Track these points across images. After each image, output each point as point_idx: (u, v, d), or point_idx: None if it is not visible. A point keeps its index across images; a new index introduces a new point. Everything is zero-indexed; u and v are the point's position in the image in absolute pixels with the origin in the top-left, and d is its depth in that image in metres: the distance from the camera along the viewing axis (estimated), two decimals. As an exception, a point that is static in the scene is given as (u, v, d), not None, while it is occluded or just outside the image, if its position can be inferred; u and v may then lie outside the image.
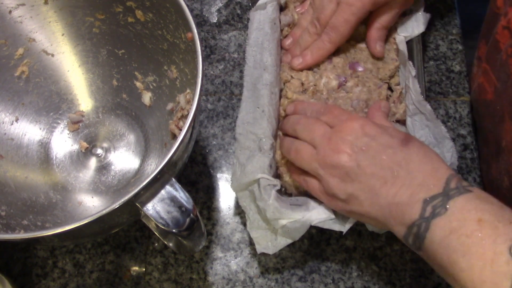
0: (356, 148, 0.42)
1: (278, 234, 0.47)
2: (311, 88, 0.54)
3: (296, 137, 0.48)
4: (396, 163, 0.41)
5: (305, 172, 0.47)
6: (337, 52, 0.55)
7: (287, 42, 0.57)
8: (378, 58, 0.56)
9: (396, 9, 0.53)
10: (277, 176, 0.51)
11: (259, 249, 0.48)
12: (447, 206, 0.37)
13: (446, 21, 0.64)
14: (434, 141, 0.49)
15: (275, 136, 0.52)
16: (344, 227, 0.47)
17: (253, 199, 0.48)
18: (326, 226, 0.47)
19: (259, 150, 0.49)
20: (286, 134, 0.51)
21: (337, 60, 0.55)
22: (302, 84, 0.54)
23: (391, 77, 0.55)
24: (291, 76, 0.55)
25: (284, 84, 0.55)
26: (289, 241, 0.47)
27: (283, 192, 0.51)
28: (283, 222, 0.46)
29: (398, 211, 0.40)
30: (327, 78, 0.53)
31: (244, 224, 0.54)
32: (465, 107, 0.59)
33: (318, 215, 0.46)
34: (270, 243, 0.48)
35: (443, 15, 0.64)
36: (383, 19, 0.54)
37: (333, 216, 0.47)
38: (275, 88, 0.53)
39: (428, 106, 0.50)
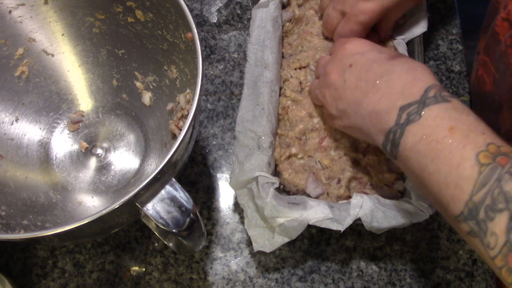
0: (344, 66, 0.44)
1: (276, 233, 0.47)
2: (307, 88, 0.54)
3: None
4: (379, 74, 0.42)
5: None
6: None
7: None
8: None
9: (404, 9, 0.54)
10: (276, 174, 0.51)
11: (256, 247, 0.48)
12: (422, 113, 0.38)
13: (446, 21, 0.64)
14: None
15: (274, 134, 0.52)
16: (341, 226, 0.47)
17: (252, 197, 0.48)
18: (323, 225, 0.47)
19: (258, 148, 0.49)
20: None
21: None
22: (300, 83, 0.55)
23: None
24: (291, 75, 0.55)
25: (284, 82, 0.55)
26: (286, 239, 0.47)
27: (281, 189, 0.51)
28: (281, 220, 0.46)
29: (377, 119, 0.41)
30: None
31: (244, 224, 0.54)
32: (465, 107, 0.59)
33: (315, 214, 0.46)
34: (268, 242, 0.48)
35: (443, 15, 0.64)
36: (392, 20, 0.54)
37: (330, 215, 0.46)
38: (275, 86, 0.53)
39: None
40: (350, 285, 0.52)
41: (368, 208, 0.46)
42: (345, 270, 0.53)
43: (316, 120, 0.52)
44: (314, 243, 0.53)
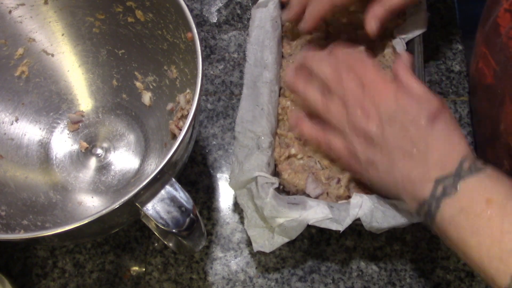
0: (386, 117, 0.43)
1: (275, 233, 0.47)
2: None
3: (312, 75, 0.48)
4: (418, 138, 0.41)
5: (327, 130, 0.47)
6: None
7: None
8: (370, 40, 0.54)
9: None
10: (276, 174, 0.51)
11: (256, 247, 0.48)
12: (458, 187, 0.38)
13: (446, 21, 0.64)
14: None
15: (273, 134, 0.52)
16: (341, 226, 0.47)
17: (251, 197, 0.48)
18: (323, 225, 0.46)
19: (257, 148, 0.49)
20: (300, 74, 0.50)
21: None
22: None
23: None
24: None
25: (283, 82, 0.55)
26: (286, 240, 0.47)
27: (281, 190, 0.51)
28: (280, 220, 0.46)
29: (411, 186, 0.41)
30: None
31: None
32: (465, 107, 0.59)
33: (315, 214, 0.46)
34: (267, 242, 0.48)
35: (443, 15, 0.64)
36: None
37: (330, 215, 0.46)
38: (275, 86, 0.53)
39: None
40: (350, 285, 0.52)
41: (368, 208, 0.46)
42: (345, 270, 0.53)
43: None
44: (314, 243, 0.53)
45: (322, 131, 0.48)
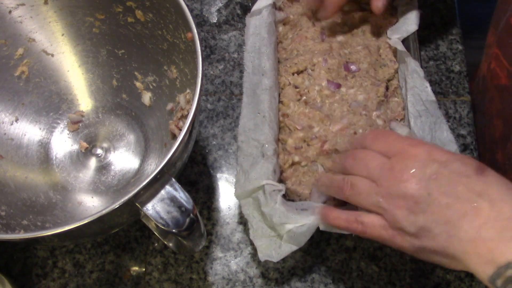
0: (424, 176, 0.38)
1: (283, 241, 0.47)
2: (304, 98, 0.53)
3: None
4: (474, 193, 0.37)
5: (355, 212, 0.43)
6: (330, 53, 0.55)
7: None
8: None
9: None
10: (280, 181, 0.51)
11: (263, 257, 0.47)
12: None
13: (446, 21, 0.64)
14: (439, 143, 0.49)
15: (277, 141, 0.52)
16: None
17: (256, 206, 0.47)
18: (334, 230, 0.46)
19: (262, 156, 0.49)
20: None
21: (331, 61, 0.54)
22: (297, 87, 0.54)
23: (390, 80, 0.55)
24: (289, 82, 0.55)
25: (282, 89, 0.55)
26: (294, 247, 0.47)
27: (286, 199, 0.51)
28: (290, 226, 0.45)
29: (485, 248, 0.35)
30: (319, 86, 0.53)
31: (244, 224, 0.54)
32: (465, 107, 0.59)
33: None
34: (274, 251, 0.47)
35: (443, 15, 0.64)
36: None
37: None
38: (275, 92, 0.53)
39: (438, 109, 0.50)
40: (350, 285, 0.52)
41: None
42: (345, 270, 0.53)
43: (316, 129, 0.52)
44: (314, 243, 0.53)
45: (351, 217, 0.43)
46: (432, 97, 0.51)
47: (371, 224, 0.41)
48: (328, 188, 0.45)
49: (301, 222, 0.45)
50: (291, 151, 0.52)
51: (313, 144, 0.52)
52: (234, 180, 0.56)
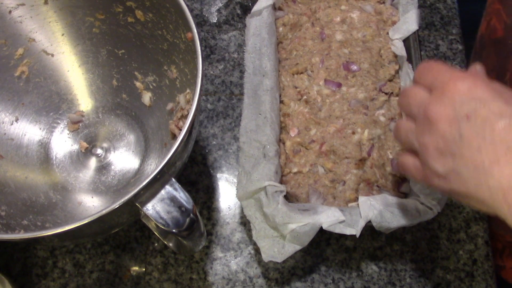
0: (459, 115, 0.35)
1: (287, 240, 0.47)
2: (304, 97, 0.53)
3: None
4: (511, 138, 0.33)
5: (403, 155, 0.42)
6: (328, 54, 0.55)
7: None
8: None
9: None
10: (281, 182, 0.51)
11: (266, 258, 0.47)
12: None
13: (446, 21, 0.64)
14: None
15: (278, 142, 0.52)
16: (355, 230, 0.46)
17: (258, 207, 0.47)
18: (337, 231, 0.46)
19: (263, 157, 0.49)
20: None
21: (329, 62, 0.54)
22: (297, 88, 0.54)
23: (390, 80, 0.55)
24: (288, 82, 0.55)
25: (282, 89, 0.55)
26: (298, 247, 0.47)
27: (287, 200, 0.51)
28: (293, 226, 0.45)
29: None
30: (318, 86, 0.53)
31: (244, 224, 0.54)
32: (465, 107, 0.59)
33: (327, 217, 0.46)
34: (278, 251, 0.47)
35: (443, 15, 0.64)
36: None
37: (342, 217, 0.46)
38: (276, 93, 0.53)
39: None
40: (350, 285, 0.52)
41: (377, 209, 0.46)
42: (345, 270, 0.53)
43: (313, 132, 0.52)
44: (314, 243, 0.53)
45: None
46: None
47: (406, 164, 0.41)
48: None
49: (303, 222, 0.45)
50: (290, 155, 0.52)
51: (311, 147, 0.52)
52: (234, 180, 0.56)
